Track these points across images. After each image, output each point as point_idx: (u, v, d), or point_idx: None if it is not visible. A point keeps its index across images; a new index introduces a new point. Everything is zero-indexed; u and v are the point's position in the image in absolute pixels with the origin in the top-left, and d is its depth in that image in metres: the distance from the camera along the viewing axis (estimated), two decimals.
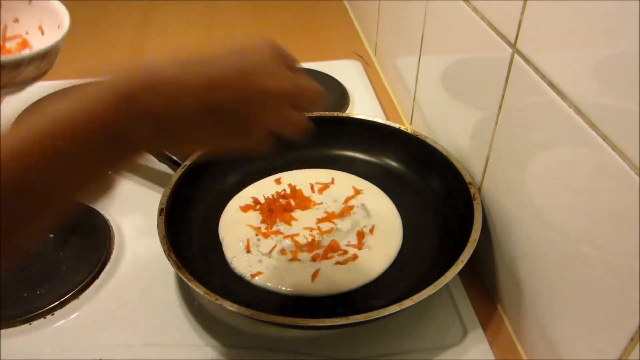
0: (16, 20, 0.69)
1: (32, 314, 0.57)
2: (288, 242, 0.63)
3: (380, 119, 0.75)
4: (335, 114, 0.77)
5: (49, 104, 0.34)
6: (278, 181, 0.72)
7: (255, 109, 0.39)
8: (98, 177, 0.37)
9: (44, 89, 0.94)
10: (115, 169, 0.37)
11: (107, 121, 0.34)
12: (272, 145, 0.41)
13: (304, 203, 0.67)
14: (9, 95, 0.96)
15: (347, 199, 0.69)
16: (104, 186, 0.37)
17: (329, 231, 0.64)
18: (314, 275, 0.59)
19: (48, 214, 0.35)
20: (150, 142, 0.37)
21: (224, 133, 0.39)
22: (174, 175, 0.65)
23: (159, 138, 0.37)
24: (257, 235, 0.64)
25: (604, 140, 0.39)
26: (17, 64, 0.59)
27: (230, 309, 0.50)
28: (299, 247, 0.62)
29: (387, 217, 0.66)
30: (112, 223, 0.68)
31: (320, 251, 0.61)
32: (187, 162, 0.67)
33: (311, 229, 0.64)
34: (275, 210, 0.66)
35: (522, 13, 0.48)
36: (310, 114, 0.75)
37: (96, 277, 0.62)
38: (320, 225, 0.65)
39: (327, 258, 0.60)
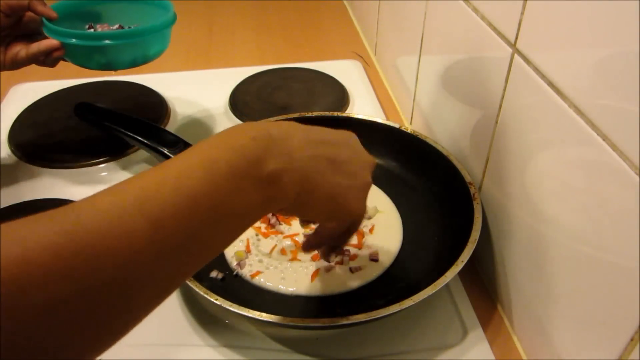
0: None
1: None
2: (288, 242, 0.63)
3: (380, 119, 0.75)
4: (335, 114, 0.77)
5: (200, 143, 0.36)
6: None
7: (358, 170, 0.45)
8: (247, 225, 0.37)
9: (44, 88, 0.94)
10: (262, 211, 0.38)
11: (256, 157, 0.36)
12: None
13: None
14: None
15: None
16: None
17: None
18: (314, 275, 0.59)
19: (206, 256, 0.35)
20: (290, 190, 0.38)
21: (340, 182, 0.42)
22: None
23: (295, 184, 0.38)
24: (257, 235, 0.64)
25: (604, 140, 0.39)
26: None
27: (230, 309, 0.50)
28: (299, 247, 0.62)
29: (387, 217, 0.66)
30: None
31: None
32: None
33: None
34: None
35: (522, 13, 0.48)
36: (310, 114, 0.75)
37: None
38: None
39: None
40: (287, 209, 0.40)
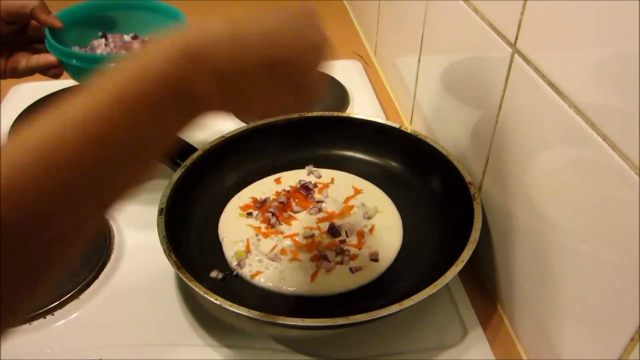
0: None
1: (32, 314, 0.57)
2: (288, 242, 0.63)
3: (380, 119, 0.75)
4: (335, 114, 0.77)
5: (114, 66, 0.33)
6: (278, 181, 0.72)
7: (307, 64, 0.40)
8: (169, 138, 0.36)
9: (44, 88, 0.94)
10: (181, 129, 0.36)
11: (174, 79, 0.33)
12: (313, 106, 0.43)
13: (304, 203, 0.68)
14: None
15: (347, 199, 0.69)
16: (165, 150, 0.36)
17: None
18: (314, 275, 0.59)
19: (129, 179, 0.34)
20: (214, 100, 0.36)
21: (281, 89, 0.39)
22: (174, 175, 0.65)
23: (222, 96, 0.36)
24: (257, 235, 0.64)
25: (604, 140, 0.39)
26: None
27: (230, 309, 0.50)
28: (299, 247, 0.62)
29: (387, 217, 0.66)
30: (112, 223, 0.68)
31: (319, 251, 0.61)
32: (187, 162, 0.67)
33: (311, 229, 0.64)
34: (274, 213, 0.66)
35: (522, 13, 0.48)
36: (310, 114, 0.75)
37: (96, 277, 0.62)
38: (320, 225, 0.65)
39: (327, 258, 0.60)
40: (219, 112, 0.38)
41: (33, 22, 0.63)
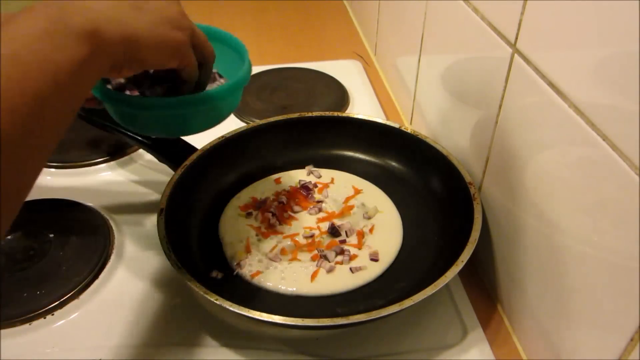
0: None
1: (32, 314, 0.57)
2: (288, 242, 0.63)
3: (380, 119, 0.75)
4: (335, 114, 0.77)
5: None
6: (278, 181, 0.72)
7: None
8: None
9: None
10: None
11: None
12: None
13: (304, 203, 0.68)
14: None
15: (347, 199, 0.69)
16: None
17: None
18: (314, 275, 0.59)
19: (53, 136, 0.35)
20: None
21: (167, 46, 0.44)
22: (174, 175, 0.65)
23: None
24: (257, 235, 0.64)
25: (604, 140, 0.39)
26: None
27: (230, 309, 0.50)
28: (298, 247, 0.62)
29: (387, 217, 0.66)
30: (112, 223, 0.68)
31: (319, 251, 0.61)
32: (187, 162, 0.67)
33: (311, 229, 0.64)
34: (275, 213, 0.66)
35: (522, 13, 0.48)
36: (310, 114, 0.75)
37: (96, 277, 0.62)
38: (320, 225, 0.65)
39: (327, 258, 0.60)
40: (124, 64, 0.41)
41: None
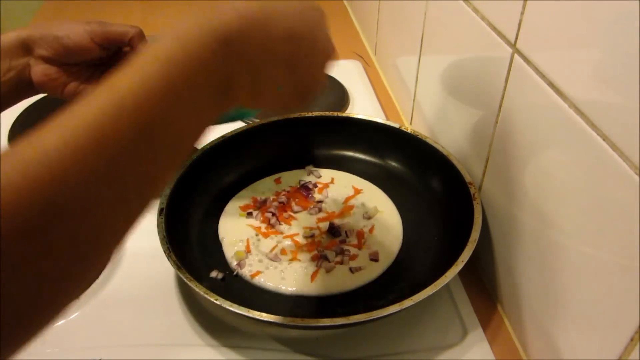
0: None
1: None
2: (288, 242, 0.63)
3: (380, 119, 0.75)
4: (335, 114, 0.77)
5: (153, 42, 0.33)
6: (278, 181, 0.72)
7: (319, 60, 0.43)
8: (204, 126, 0.36)
9: None
10: (215, 118, 0.37)
11: (213, 67, 0.34)
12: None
13: (304, 203, 0.68)
14: None
15: (347, 199, 0.69)
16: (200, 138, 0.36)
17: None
18: (314, 275, 0.59)
19: (169, 163, 0.34)
20: (243, 90, 0.37)
21: (292, 79, 0.41)
22: (174, 175, 0.65)
23: (249, 85, 0.38)
24: (257, 235, 0.64)
25: (604, 140, 0.39)
26: None
27: (230, 309, 0.50)
28: (298, 247, 0.62)
29: (387, 217, 0.66)
30: None
31: (319, 251, 0.61)
32: (187, 162, 0.67)
33: (311, 229, 0.64)
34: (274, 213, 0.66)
35: (522, 13, 0.48)
36: (310, 114, 0.75)
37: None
38: (320, 225, 0.65)
39: (327, 258, 0.60)
40: (242, 103, 0.39)
41: (126, 49, 0.59)
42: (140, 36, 0.59)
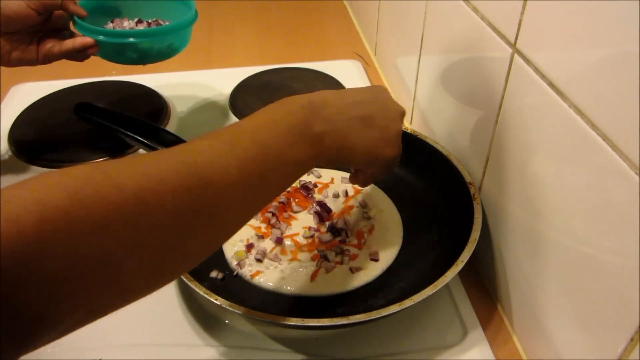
0: None
1: None
2: (288, 242, 0.63)
3: None
4: None
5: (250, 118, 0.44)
6: None
7: (390, 115, 0.52)
8: (294, 177, 0.46)
9: (44, 88, 0.94)
10: (304, 168, 0.46)
11: (298, 122, 0.44)
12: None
13: (304, 203, 0.68)
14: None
15: (347, 199, 0.69)
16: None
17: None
18: (314, 275, 0.59)
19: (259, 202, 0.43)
20: (326, 139, 0.46)
21: (371, 136, 0.50)
22: None
23: (331, 135, 0.46)
24: (257, 235, 0.64)
25: (604, 140, 0.39)
26: None
27: (230, 309, 0.50)
28: (298, 247, 0.62)
29: (387, 217, 0.66)
30: None
31: (319, 251, 0.61)
32: None
33: (311, 229, 0.64)
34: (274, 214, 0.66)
35: (522, 13, 0.48)
36: None
37: None
38: (320, 225, 0.65)
39: (327, 258, 0.60)
40: (332, 161, 0.48)
41: (56, 12, 0.68)
42: None
